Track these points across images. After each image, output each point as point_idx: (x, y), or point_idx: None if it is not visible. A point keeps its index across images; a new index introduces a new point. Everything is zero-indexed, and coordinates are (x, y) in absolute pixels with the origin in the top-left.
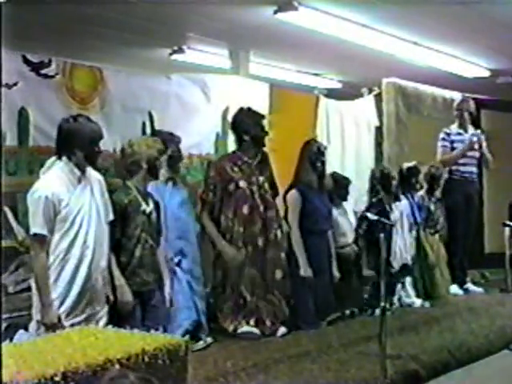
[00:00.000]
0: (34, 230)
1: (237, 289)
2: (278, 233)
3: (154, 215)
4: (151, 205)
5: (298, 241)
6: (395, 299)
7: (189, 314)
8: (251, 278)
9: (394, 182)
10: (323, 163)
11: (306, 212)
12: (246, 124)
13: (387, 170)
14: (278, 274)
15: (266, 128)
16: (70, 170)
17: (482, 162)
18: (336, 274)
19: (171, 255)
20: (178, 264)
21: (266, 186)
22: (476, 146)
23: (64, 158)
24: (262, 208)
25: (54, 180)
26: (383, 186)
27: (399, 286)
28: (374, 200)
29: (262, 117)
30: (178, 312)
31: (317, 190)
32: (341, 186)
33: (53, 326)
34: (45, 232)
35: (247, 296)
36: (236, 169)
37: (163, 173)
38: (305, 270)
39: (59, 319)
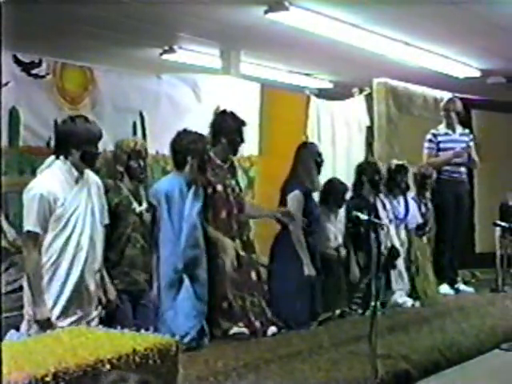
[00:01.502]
0: (27, 227)
1: (223, 292)
2: (250, 235)
3: (147, 216)
4: (144, 205)
5: (301, 240)
6: (392, 299)
7: (194, 322)
8: (232, 280)
9: (380, 176)
10: (321, 165)
11: (304, 214)
12: (226, 127)
13: (375, 163)
14: (254, 276)
15: (244, 135)
16: (67, 170)
17: (469, 162)
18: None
19: (181, 264)
20: (190, 272)
21: (237, 189)
22: (466, 152)
23: (61, 158)
24: (236, 211)
25: (50, 179)
26: (370, 179)
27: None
28: (356, 193)
29: (243, 123)
30: (184, 320)
31: (312, 193)
32: (338, 192)
33: (45, 323)
34: (38, 230)
35: (231, 299)
36: (212, 172)
37: (190, 176)
38: (309, 269)
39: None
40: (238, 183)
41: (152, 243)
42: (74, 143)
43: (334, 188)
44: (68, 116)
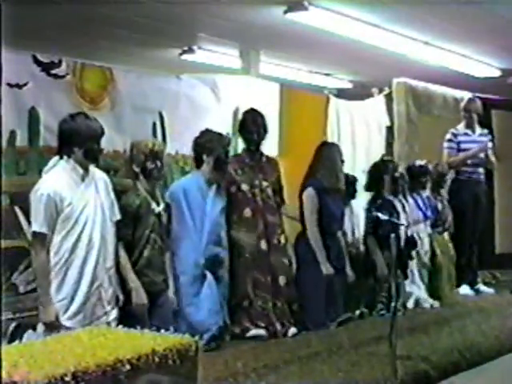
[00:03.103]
0: (34, 227)
1: (244, 291)
2: (282, 238)
3: (164, 216)
4: (161, 205)
5: (317, 239)
6: (411, 302)
7: (217, 318)
8: (256, 280)
9: (396, 175)
10: (341, 166)
11: (320, 212)
12: (247, 126)
13: (391, 161)
14: (282, 280)
15: (267, 128)
16: (72, 169)
17: (486, 162)
18: (350, 273)
19: (202, 259)
20: (212, 270)
21: (269, 191)
22: (485, 149)
23: (65, 157)
24: (263, 212)
25: (55, 179)
26: (385, 178)
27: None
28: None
29: (262, 117)
30: (206, 316)
31: (332, 192)
32: (348, 184)
33: (51, 325)
34: (45, 230)
35: (253, 298)
36: (239, 171)
37: (208, 175)
38: (326, 268)
39: (57, 318)
40: (272, 186)
41: (168, 243)
42: (76, 141)
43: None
44: (68, 114)
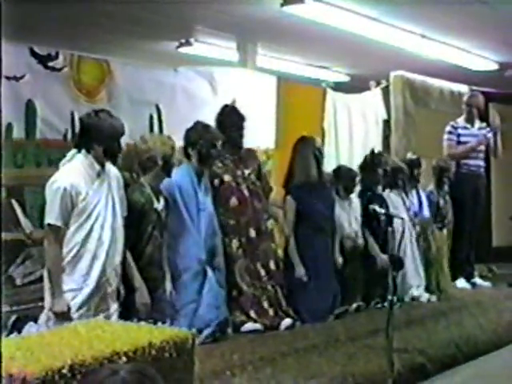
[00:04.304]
0: (48, 220)
1: (232, 280)
2: (269, 224)
3: (163, 212)
4: (162, 202)
5: (292, 248)
6: (408, 295)
7: (217, 313)
8: (245, 268)
9: (387, 169)
10: (321, 159)
11: (304, 212)
12: (224, 124)
13: (385, 156)
14: (272, 265)
15: (243, 131)
16: (89, 164)
17: (490, 151)
18: (338, 258)
19: (204, 254)
20: (211, 262)
21: (253, 178)
22: (484, 142)
23: (83, 151)
24: (250, 199)
25: (73, 172)
26: (377, 172)
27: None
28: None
29: (242, 118)
30: (206, 311)
31: (315, 188)
32: (347, 178)
33: (63, 315)
34: (59, 223)
35: (243, 286)
36: (219, 164)
37: (196, 167)
38: (298, 271)
39: (69, 309)
40: (255, 174)
41: (165, 237)
42: (98, 138)
43: (343, 174)
44: (92, 110)
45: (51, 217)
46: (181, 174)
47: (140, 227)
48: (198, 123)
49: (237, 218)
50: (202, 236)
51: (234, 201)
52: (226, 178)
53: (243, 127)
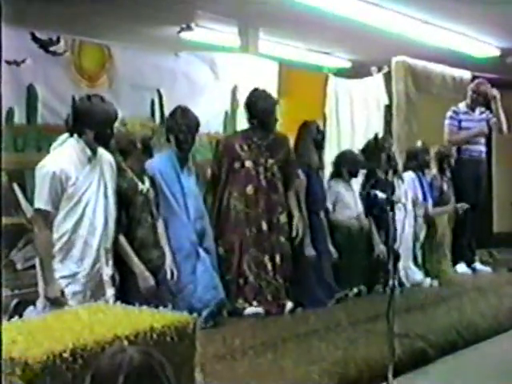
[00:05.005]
0: (37, 205)
1: (239, 269)
2: (282, 218)
3: (151, 192)
4: (147, 183)
5: (306, 223)
6: (404, 279)
7: (215, 293)
8: (254, 259)
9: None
10: (323, 144)
11: (307, 193)
12: (257, 106)
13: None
14: (278, 259)
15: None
16: (80, 149)
17: (495, 128)
18: (332, 250)
19: (194, 236)
20: (201, 244)
21: (275, 169)
22: (486, 129)
23: (75, 136)
24: (266, 190)
25: (63, 157)
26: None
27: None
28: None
29: (275, 102)
30: (204, 293)
31: (315, 171)
32: (352, 162)
33: (56, 301)
34: (49, 208)
35: (249, 276)
36: (245, 147)
37: (176, 151)
38: (308, 251)
39: (62, 293)
40: (278, 164)
41: (157, 216)
42: (90, 123)
43: (348, 158)
44: (85, 94)
45: (40, 201)
46: (163, 159)
47: (127, 212)
48: (177, 108)
49: (250, 206)
50: (192, 218)
51: (249, 188)
52: (248, 163)
53: (275, 111)
